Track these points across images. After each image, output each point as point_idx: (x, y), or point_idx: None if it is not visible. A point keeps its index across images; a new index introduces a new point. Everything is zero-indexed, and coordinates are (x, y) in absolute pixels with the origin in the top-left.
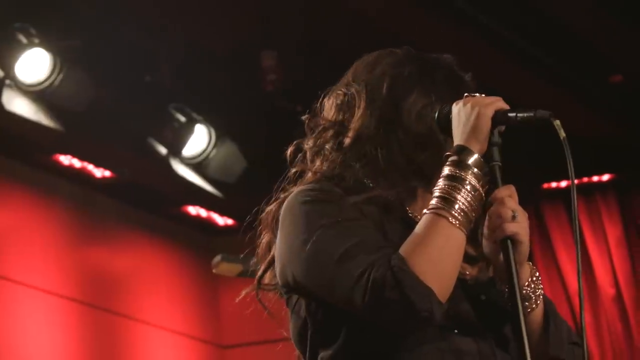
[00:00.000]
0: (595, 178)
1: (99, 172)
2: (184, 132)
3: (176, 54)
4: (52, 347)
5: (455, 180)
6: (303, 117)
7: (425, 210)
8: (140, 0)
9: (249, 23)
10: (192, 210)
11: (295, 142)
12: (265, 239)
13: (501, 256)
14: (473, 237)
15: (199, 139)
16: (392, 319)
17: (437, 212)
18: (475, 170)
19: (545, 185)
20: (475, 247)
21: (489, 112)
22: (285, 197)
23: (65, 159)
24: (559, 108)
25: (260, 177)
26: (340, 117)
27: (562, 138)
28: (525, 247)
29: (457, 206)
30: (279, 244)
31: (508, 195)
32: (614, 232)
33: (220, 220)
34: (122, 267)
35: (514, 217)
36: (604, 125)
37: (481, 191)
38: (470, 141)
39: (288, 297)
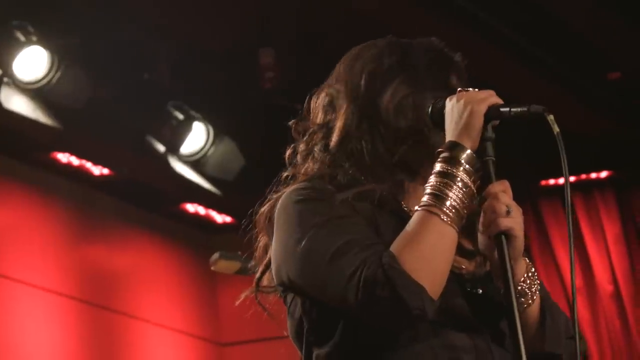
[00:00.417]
0: (593, 175)
1: (97, 170)
2: (182, 130)
3: (174, 52)
4: (51, 345)
5: (447, 177)
6: (289, 123)
7: (416, 207)
8: None
9: (247, 21)
10: (191, 207)
11: (292, 146)
12: (261, 242)
13: (496, 252)
14: (470, 232)
15: (197, 137)
16: (383, 317)
17: (428, 209)
18: (467, 166)
19: (543, 182)
20: (472, 242)
21: (482, 109)
22: (278, 198)
23: (64, 157)
24: (557, 105)
25: (259, 175)
26: (327, 118)
27: (555, 133)
28: (519, 242)
29: (448, 203)
30: (274, 244)
31: (502, 191)
32: (612, 229)
33: (219, 217)
34: (120, 265)
35: (508, 212)
36: (602, 123)
37: (472, 187)
38: (462, 137)
39: (285, 296)
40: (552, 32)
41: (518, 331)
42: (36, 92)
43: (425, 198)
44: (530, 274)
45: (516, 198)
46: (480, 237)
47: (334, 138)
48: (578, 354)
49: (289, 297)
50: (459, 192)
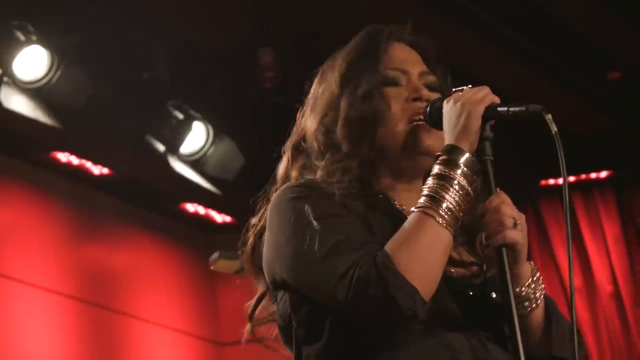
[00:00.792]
0: (593, 175)
1: (96, 170)
2: (181, 130)
3: (174, 51)
4: (50, 344)
5: (444, 179)
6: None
7: (412, 209)
8: None
9: (247, 20)
10: (190, 207)
11: (283, 146)
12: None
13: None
14: (469, 242)
15: (196, 136)
16: (374, 316)
17: (424, 211)
18: (465, 169)
19: (543, 182)
20: (470, 253)
21: (480, 110)
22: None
23: (63, 156)
24: (557, 105)
25: (258, 175)
26: (313, 120)
27: (553, 132)
28: (524, 250)
29: (444, 205)
30: (266, 242)
31: (501, 202)
32: (611, 229)
33: (219, 217)
34: (120, 265)
35: (515, 225)
36: (602, 123)
37: (470, 190)
38: (461, 140)
39: (275, 294)
40: (552, 32)
41: (518, 342)
42: (36, 92)
43: (422, 200)
44: (535, 278)
45: (516, 198)
46: (481, 246)
47: (321, 139)
48: (576, 356)
49: (279, 295)
50: (455, 194)
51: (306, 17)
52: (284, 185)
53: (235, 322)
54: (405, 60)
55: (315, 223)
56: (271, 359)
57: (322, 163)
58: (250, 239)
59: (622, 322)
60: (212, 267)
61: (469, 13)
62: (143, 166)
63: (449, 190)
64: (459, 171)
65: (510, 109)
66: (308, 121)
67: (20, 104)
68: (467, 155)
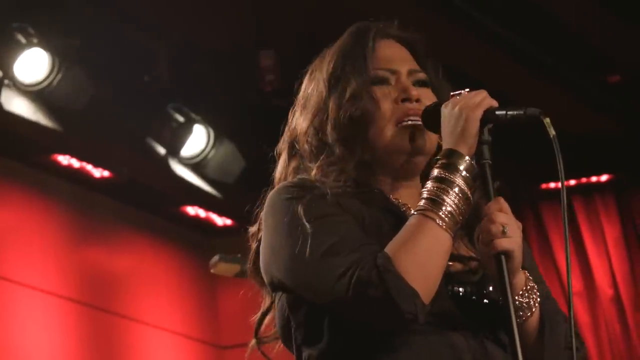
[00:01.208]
0: (593, 178)
1: (97, 172)
2: (182, 132)
3: (175, 54)
4: (50, 347)
5: (444, 183)
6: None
7: (412, 211)
8: (139, 1)
9: (247, 23)
10: (191, 210)
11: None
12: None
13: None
14: (468, 238)
15: (197, 139)
16: (373, 317)
17: (424, 214)
18: (465, 173)
19: (544, 186)
20: (469, 247)
21: (478, 115)
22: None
23: (64, 159)
24: (557, 108)
25: (259, 178)
26: (306, 120)
27: (552, 136)
28: (517, 260)
29: (444, 208)
30: (262, 243)
31: (498, 210)
32: (612, 232)
33: (219, 220)
34: (120, 267)
35: (503, 232)
36: (602, 126)
37: (469, 194)
38: (460, 144)
39: (273, 295)
40: (551, 33)
41: (518, 351)
42: (37, 94)
43: (421, 202)
44: (528, 287)
45: (516, 201)
46: (481, 253)
47: (312, 141)
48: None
49: (277, 297)
50: (455, 198)
51: (307, 20)
52: (278, 185)
53: (235, 326)
54: (394, 58)
55: (310, 223)
56: None
57: (316, 164)
58: (252, 250)
59: (623, 326)
60: (212, 270)
61: (468, 14)
62: (143, 169)
63: (449, 193)
64: (459, 175)
65: (508, 112)
66: (299, 122)
67: (21, 107)
68: (467, 159)
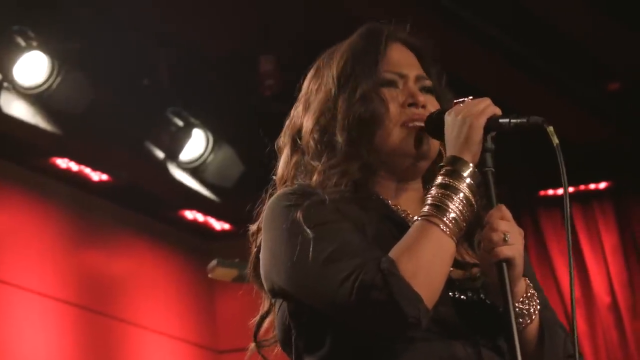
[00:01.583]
0: (592, 186)
1: (96, 176)
2: (181, 136)
3: (174, 58)
4: (47, 350)
5: (448, 189)
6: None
7: (416, 217)
8: (139, 5)
9: (248, 28)
10: (189, 214)
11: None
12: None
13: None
14: (469, 243)
15: (196, 144)
16: (377, 322)
17: (428, 219)
18: (469, 180)
19: (542, 193)
20: (468, 253)
21: (481, 122)
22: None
23: (63, 162)
24: (556, 115)
25: (258, 182)
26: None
27: (555, 144)
28: (519, 268)
29: (448, 215)
30: (262, 250)
31: (499, 217)
32: (610, 240)
33: (217, 224)
34: (118, 271)
35: (505, 240)
36: (601, 133)
37: (473, 201)
38: (463, 152)
39: (274, 302)
40: (551, 42)
41: (518, 356)
42: (36, 98)
43: (426, 208)
44: (529, 294)
45: (514, 208)
46: (482, 260)
47: (317, 139)
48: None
49: (278, 303)
50: (460, 204)
51: (307, 25)
52: (278, 193)
53: (233, 330)
54: (403, 63)
55: (311, 230)
56: None
57: (319, 166)
58: (253, 254)
59: (620, 334)
60: (210, 275)
61: (466, 20)
62: (142, 173)
63: (453, 199)
64: (463, 182)
65: (511, 120)
66: (304, 119)
67: (20, 110)
68: (471, 167)
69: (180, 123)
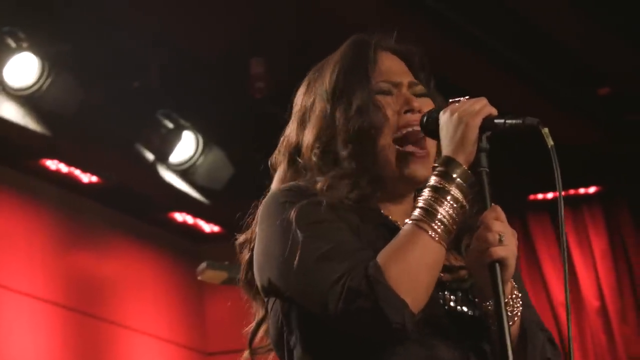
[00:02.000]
0: (581, 190)
1: (85, 177)
2: (171, 139)
3: (165, 60)
4: (36, 351)
5: (438, 192)
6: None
7: (406, 220)
8: (130, 6)
9: (238, 30)
10: (179, 216)
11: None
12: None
13: (487, 276)
14: (455, 245)
15: (186, 146)
16: (362, 327)
17: (417, 224)
18: (460, 181)
19: (532, 197)
20: (457, 257)
21: (477, 122)
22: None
23: (52, 164)
24: (546, 119)
25: (247, 185)
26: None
27: (550, 146)
28: (511, 269)
29: (437, 219)
30: (256, 247)
31: (494, 218)
32: (599, 244)
33: (207, 227)
34: (107, 273)
35: (500, 241)
36: (590, 137)
37: (464, 203)
38: (457, 153)
39: (267, 300)
40: (542, 46)
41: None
42: (26, 99)
43: (416, 212)
44: (513, 296)
45: (506, 213)
46: (472, 262)
47: (319, 154)
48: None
49: (271, 302)
50: (449, 208)
51: (297, 27)
52: (274, 190)
53: (222, 332)
54: (394, 71)
55: (305, 228)
56: None
57: (325, 177)
58: (245, 261)
59: (609, 338)
60: (199, 277)
61: (458, 26)
62: (132, 175)
63: (443, 203)
64: (453, 184)
65: (507, 121)
66: (301, 135)
67: (10, 111)
68: (462, 167)
69: (170, 125)
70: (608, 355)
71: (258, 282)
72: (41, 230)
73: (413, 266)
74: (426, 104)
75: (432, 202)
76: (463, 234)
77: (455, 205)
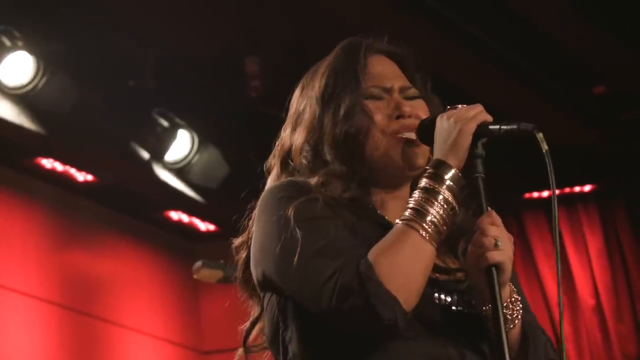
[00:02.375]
0: (576, 188)
1: (81, 176)
2: (166, 137)
3: (160, 59)
4: (31, 350)
5: (429, 193)
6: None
7: (397, 220)
8: (125, 5)
9: (233, 29)
10: (174, 215)
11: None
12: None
13: (484, 280)
14: (452, 249)
15: (181, 144)
16: (355, 324)
17: (408, 224)
18: (451, 184)
19: (527, 195)
20: (454, 260)
21: (471, 128)
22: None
23: (48, 163)
24: (542, 118)
25: (243, 183)
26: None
27: (544, 151)
28: (507, 272)
29: (428, 218)
30: (253, 241)
31: (490, 223)
32: (594, 242)
33: (202, 225)
34: (103, 271)
35: (496, 245)
36: (586, 136)
37: (455, 205)
38: (449, 156)
39: (263, 295)
40: (537, 45)
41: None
42: (21, 98)
43: (406, 212)
44: (512, 299)
45: (499, 211)
46: (469, 266)
47: (309, 158)
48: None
49: (267, 297)
50: (440, 208)
51: (293, 27)
52: (271, 185)
53: (218, 331)
54: (386, 75)
55: (301, 223)
56: None
57: (318, 176)
58: (241, 261)
59: (604, 336)
60: (195, 276)
61: (455, 25)
62: (127, 173)
63: (433, 204)
64: (444, 186)
65: (502, 127)
66: (293, 138)
67: (5, 110)
68: (453, 170)
69: (165, 124)
70: (603, 353)
71: (254, 277)
72: (36, 229)
73: (404, 264)
74: (419, 107)
75: (422, 202)
76: (459, 238)
77: (445, 207)
